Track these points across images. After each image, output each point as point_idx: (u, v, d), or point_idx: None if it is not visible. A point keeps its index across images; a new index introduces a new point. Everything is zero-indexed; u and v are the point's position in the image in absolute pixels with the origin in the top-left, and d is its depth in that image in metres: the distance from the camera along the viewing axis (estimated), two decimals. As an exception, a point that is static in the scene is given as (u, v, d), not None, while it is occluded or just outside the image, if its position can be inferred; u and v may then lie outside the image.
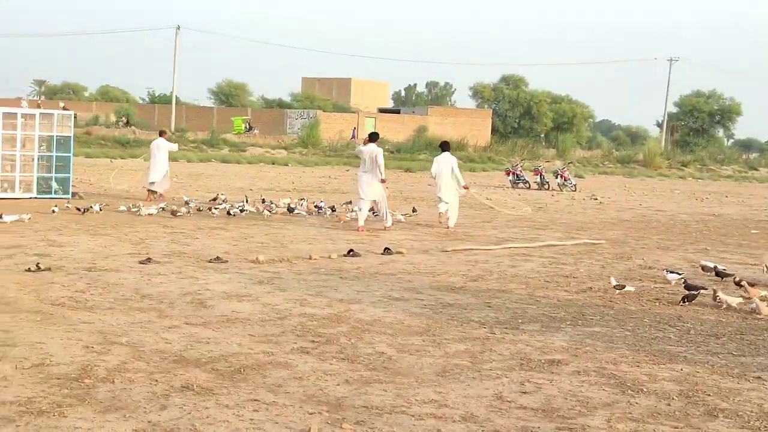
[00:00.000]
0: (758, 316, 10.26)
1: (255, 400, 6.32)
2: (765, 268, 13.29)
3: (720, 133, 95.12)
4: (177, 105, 72.95)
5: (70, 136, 22.24)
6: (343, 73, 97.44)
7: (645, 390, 7.00)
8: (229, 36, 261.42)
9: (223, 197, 22.33)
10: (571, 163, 53.44)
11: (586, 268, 13.77)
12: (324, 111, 73.98)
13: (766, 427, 6.24)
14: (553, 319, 9.72)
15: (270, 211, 19.77)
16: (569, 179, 37.10)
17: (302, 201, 21.90)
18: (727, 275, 12.86)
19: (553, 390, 6.91)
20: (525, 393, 6.80)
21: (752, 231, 21.56)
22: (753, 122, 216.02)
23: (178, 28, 69.86)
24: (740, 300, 10.42)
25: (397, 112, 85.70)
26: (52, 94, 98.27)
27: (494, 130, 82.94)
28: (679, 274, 12.46)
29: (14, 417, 5.75)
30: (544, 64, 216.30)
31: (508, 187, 36.45)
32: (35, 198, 21.18)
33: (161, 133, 25.71)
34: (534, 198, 30.66)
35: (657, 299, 11.16)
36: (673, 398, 6.82)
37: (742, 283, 11.77)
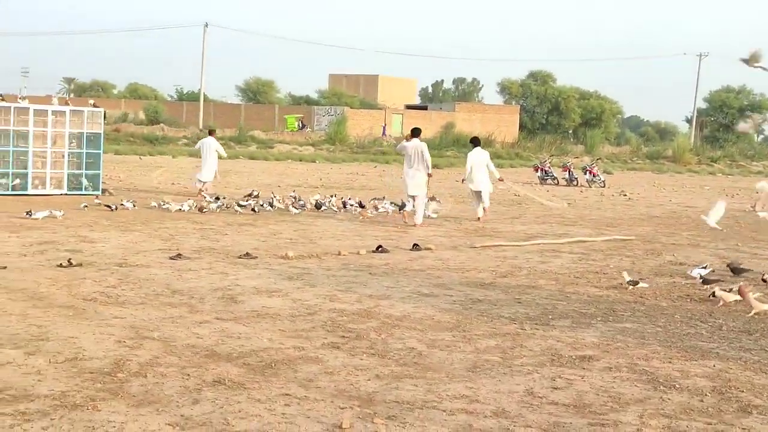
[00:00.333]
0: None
1: (286, 394, 6.34)
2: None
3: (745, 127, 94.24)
4: (205, 102, 73.28)
5: (100, 133, 22.39)
6: (371, 69, 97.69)
7: (677, 386, 6.96)
8: (256, 33, 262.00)
9: (256, 193, 22.48)
10: (599, 159, 53.14)
11: (616, 264, 13.69)
12: (351, 108, 74.01)
13: (800, 423, 6.19)
14: (583, 315, 9.68)
15: (297, 208, 19.79)
16: (598, 175, 36.90)
17: (331, 197, 21.94)
18: (743, 270, 12.75)
19: (584, 386, 6.88)
20: (556, 389, 6.78)
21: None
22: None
23: (206, 25, 70.22)
24: (737, 297, 10.29)
25: (425, 108, 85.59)
26: (82, 91, 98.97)
27: (522, 127, 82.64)
28: (705, 269, 12.30)
29: (49, 410, 5.81)
30: (572, 59, 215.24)
31: (536, 184, 36.31)
32: (66, 194, 21.34)
33: (211, 132, 25.99)
34: (563, 194, 30.52)
35: (688, 295, 11.09)
36: (705, 394, 6.77)
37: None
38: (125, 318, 8.56)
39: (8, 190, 20.80)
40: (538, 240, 16.30)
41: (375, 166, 44.94)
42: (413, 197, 18.37)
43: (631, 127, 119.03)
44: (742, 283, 11.11)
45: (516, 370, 7.26)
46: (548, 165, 38.71)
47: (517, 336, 8.50)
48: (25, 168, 21.18)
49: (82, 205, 18.67)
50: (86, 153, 21.95)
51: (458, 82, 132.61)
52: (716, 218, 13.36)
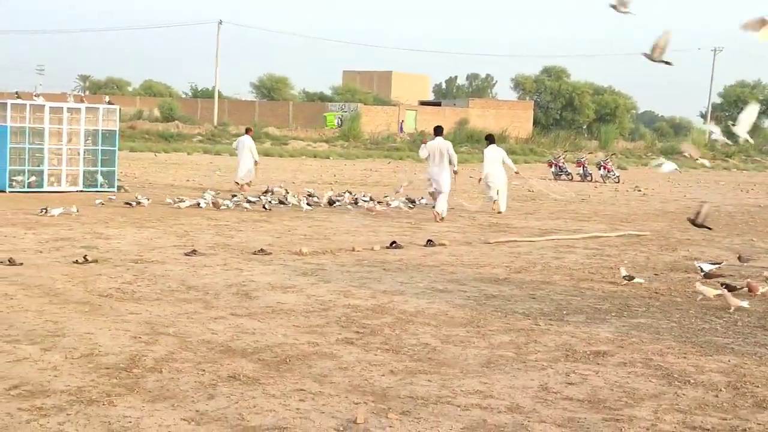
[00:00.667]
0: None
1: (301, 389, 6.36)
2: None
3: (765, 123, 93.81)
4: (219, 99, 73.35)
5: (115, 130, 22.48)
6: (384, 66, 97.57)
7: (692, 381, 6.95)
8: (270, 30, 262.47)
9: (272, 190, 22.56)
10: (613, 154, 52.99)
11: (630, 259, 13.67)
12: (365, 104, 74.00)
13: (816, 418, 6.17)
14: (597, 310, 9.67)
15: (310, 205, 19.82)
16: (612, 171, 36.84)
17: (345, 193, 21.97)
18: (749, 260, 12.83)
19: (598, 381, 6.88)
20: (570, 384, 6.77)
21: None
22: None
23: (221, 22, 70.28)
24: (717, 292, 10.24)
25: (438, 104, 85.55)
26: (97, 89, 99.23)
27: (536, 122, 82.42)
28: (714, 266, 12.22)
29: (65, 406, 5.84)
30: (587, 55, 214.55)
31: (550, 179, 36.27)
32: (81, 191, 21.43)
33: (247, 131, 26.16)
34: (577, 190, 30.48)
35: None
36: (720, 390, 6.76)
37: None
38: (141, 314, 8.60)
39: (24, 187, 20.92)
40: (552, 235, 16.28)
41: (389, 162, 44.94)
42: (439, 194, 18.56)
43: (646, 123, 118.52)
44: (749, 279, 11.09)
45: (530, 366, 7.26)
46: (562, 161, 38.66)
47: (531, 331, 8.50)
48: (41, 165, 21.29)
49: (97, 201, 18.76)
50: (101, 150, 22.06)
51: (472, 78, 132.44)
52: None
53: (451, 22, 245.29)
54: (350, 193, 22.16)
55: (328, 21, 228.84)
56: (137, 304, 9.02)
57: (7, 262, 10.93)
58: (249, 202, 19.68)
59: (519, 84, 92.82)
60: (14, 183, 20.89)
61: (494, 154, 20.58)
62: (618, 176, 36.56)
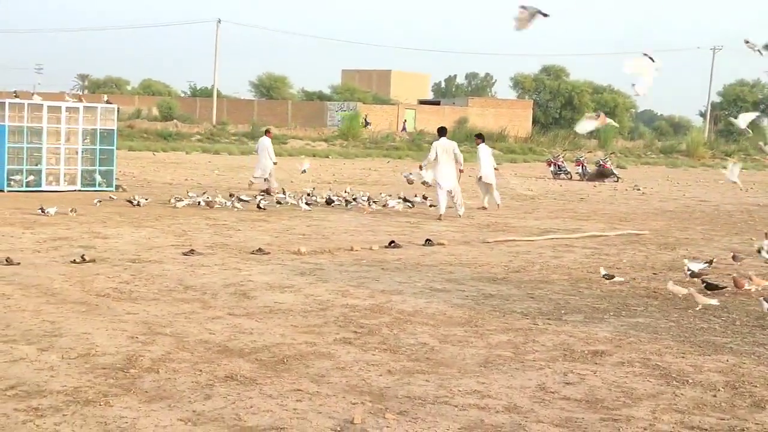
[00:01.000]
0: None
1: (298, 390, 6.35)
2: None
3: (765, 122, 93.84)
4: (218, 98, 73.35)
5: (113, 130, 22.46)
6: (383, 64, 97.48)
7: (690, 381, 6.94)
8: (269, 29, 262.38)
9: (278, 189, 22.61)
10: (613, 153, 52.98)
11: (629, 258, 13.66)
12: (364, 103, 74.02)
13: (814, 418, 6.16)
14: (596, 309, 9.65)
15: (308, 204, 19.80)
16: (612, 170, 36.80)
17: (344, 192, 21.99)
18: (741, 259, 12.84)
19: (596, 381, 6.87)
20: (568, 384, 6.76)
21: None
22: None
23: (219, 21, 70.28)
24: (686, 291, 10.23)
25: (437, 103, 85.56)
26: (95, 88, 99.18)
27: (535, 121, 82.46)
28: (704, 265, 12.17)
29: (61, 406, 5.83)
30: (586, 54, 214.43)
31: (549, 178, 36.25)
32: (80, 191, 21.41)
33: (266, 132, 26.22)
34: (576, 189, 30.48)
35: (701, 290, 11.02)
36: (719, 389, 6.74)
37: None
38: (138, 314, 8.58)
39: (22, 186, 20.90)
40: (550, 235, 16.27)
41: (388, 161, 44.93)
42: (447, 191, 19.02)
43: (645, 122, 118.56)
44: (735, 275, 11.10)
45: (528, 366, 7.24)
46: (561, 159, 38.64)
47: (529, 331, 8.49)
48: (39, 164, 21.27)
49: (96, 200, 18.74)
50: (100, 149, 22.04)
51: (471, 77, 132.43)
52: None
53: (450, 20, 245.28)
54: (348, 192, 22.17)
55: (327, 20, 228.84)
56: (134, 304, 9.00)
57: (5, 262, 10.91)
58: (241, 201, 19.61)
59: (518, 83, 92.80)
60: (12, 182, 20.87)
61: (484, 151, 21.51)
62: (617, 176, 36.52)
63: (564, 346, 7.92)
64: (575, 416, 6.02)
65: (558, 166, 37.72)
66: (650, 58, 8.72)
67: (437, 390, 6.47)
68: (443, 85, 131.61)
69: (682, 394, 6.61)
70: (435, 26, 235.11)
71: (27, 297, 9.16)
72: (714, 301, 9.80)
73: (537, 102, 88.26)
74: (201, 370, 6.73)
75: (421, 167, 20.41)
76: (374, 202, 20.63)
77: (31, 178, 21.16)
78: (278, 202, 20.08)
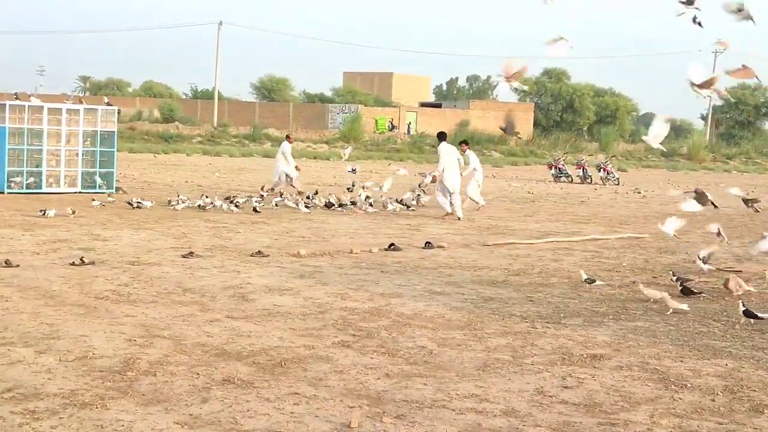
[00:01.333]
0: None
1: (296, 393, 6.34)
2: None
3: (766, 125, 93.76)
4: (219, 100, 73.38)
5: (114, 132, 22.45)
6: (385, 67, 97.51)
7: (689, 385, 6.92)
8: (271, 31, 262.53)
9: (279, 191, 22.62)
10: (614, 156, 52.99)
11: (629, 262, 13.65)
12: (365, 105, 74.01)
13: (813, 423, 6.14)
14: (595, 313, 9.64)
15: (308, 207, 19.78)
16: (612, 173, 36.82)
17: (347, 194, 22.05)
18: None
19: (595, 385, 6.85)
20: (567, 388, 6.74)
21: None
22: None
23: (221, 23, 70.40)
24: (660, 294, 10.20)
25: (439, 106, 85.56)
26: (97, 89, 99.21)
27: (536, 124, 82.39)
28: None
29: (58, 409, 5.82)
30: (587, 57, 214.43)
31: (550, 181, 36.25)
32: (80, 193, 21.40)
33: (287, 137, 26.24)
34: (577, 192, 30.46)
35: (701, 293, 11.01)
36: (717, 394, 6.72)
37: None
38: (136, 316, 8.57)
39: (22, 188, 20.90)
40: (550, 238, 16.25)
41: (389, 164, 44.90)
42: (451, 194, 19.25)
43: (646, 125, 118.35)
44: (728, 278, 11.08)
45: (526, 369, 7.23)
46: (562, 163, 38.62)
47: (528, 335, 8.47)
48: (39, 166, 21.27)
49: (94, 201, 18.67)
50: (100, 151, 22.03)
51: (472, 79, 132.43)
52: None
53: (452, 23, 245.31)
54: (349, 190, 22.33)
55: (329, 22, 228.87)
56: (133, 307, 8.99)
57: (4, 264, 10.91)
58: (235, 206, 19.50)
59: (519, 86, 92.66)
60: (12, 184, 20.87)
61: (474, 156, 21.72)
62: (618, 178, 36.54)
63: (562, 350, 7.90)
64: (573, 420, 6.00)
65: (559, 169, 37.70)
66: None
67: (435, 393, 6.46)
68: (445, 87, 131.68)
69: (680, 398, 6.59)
70: (436, 29, 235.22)
71: (25, 299, 9.15)
72: (684, 306, 9.79)
73: (538, 105, 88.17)
74: (198, 374, 6.72)
75: (434, 178, 20.22)
76: (371, 204, 20.56)
77: (32, 180, 21.15)
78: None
